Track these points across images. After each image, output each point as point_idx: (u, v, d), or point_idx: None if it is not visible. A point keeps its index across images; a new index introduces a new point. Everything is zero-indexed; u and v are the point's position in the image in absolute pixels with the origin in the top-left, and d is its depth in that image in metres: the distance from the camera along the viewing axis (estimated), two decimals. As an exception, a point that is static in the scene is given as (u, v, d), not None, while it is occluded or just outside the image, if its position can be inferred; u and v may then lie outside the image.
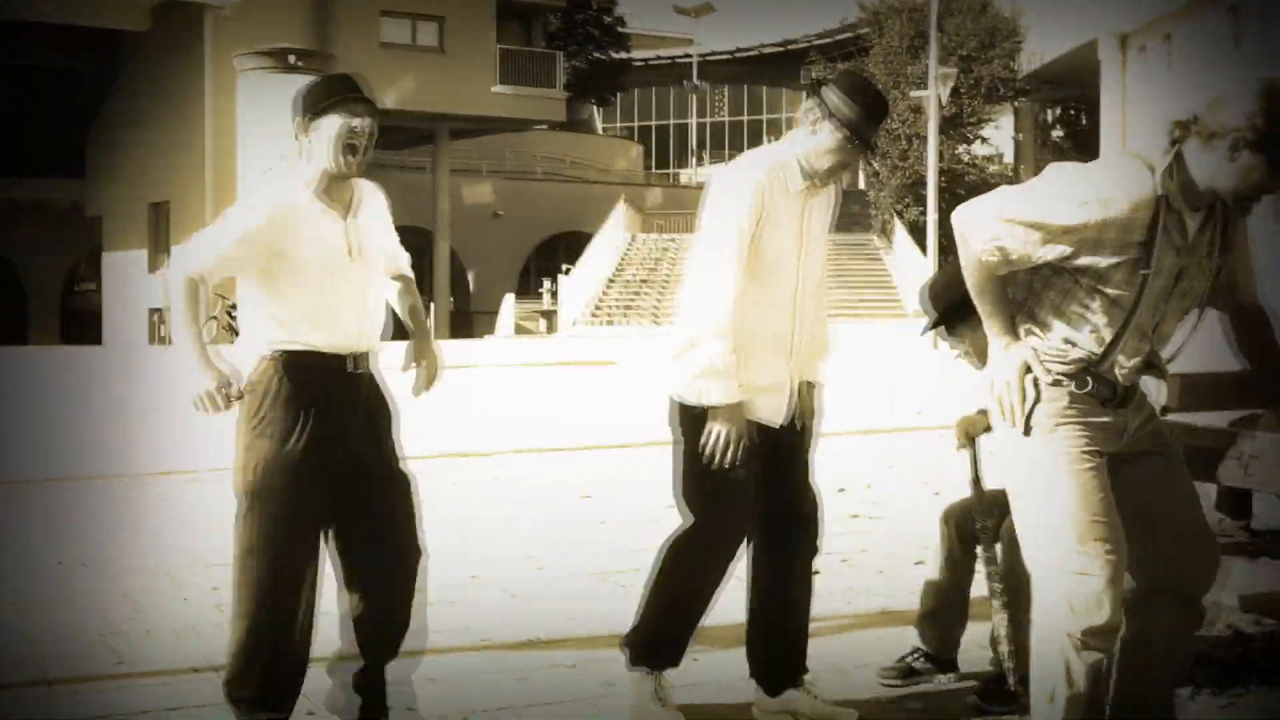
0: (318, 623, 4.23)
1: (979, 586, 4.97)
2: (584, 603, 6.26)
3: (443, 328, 38.30)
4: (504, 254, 47.90)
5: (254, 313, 4.16)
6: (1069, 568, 3.64)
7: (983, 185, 39.80)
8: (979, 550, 4.76)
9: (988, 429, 4.17)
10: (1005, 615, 4.48)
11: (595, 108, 62.39)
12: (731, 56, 64.46)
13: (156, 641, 5.62)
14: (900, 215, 41.10)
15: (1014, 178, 43.14)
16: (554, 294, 39.72)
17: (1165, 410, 4.28)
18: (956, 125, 41.39)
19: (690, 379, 4.34)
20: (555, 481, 10.16)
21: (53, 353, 31.37)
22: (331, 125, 4.06)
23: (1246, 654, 4.97)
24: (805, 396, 4.56)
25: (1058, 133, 47.70)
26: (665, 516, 8.59)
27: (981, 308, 3.77)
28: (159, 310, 37.78)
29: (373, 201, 4.29)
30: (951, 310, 4.41)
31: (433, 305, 33.57)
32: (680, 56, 63.58)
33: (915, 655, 5.00)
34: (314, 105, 4.09)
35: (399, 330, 4.47)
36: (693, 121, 63.21)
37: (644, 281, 40.17)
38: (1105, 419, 3.72)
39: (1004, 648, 4.49)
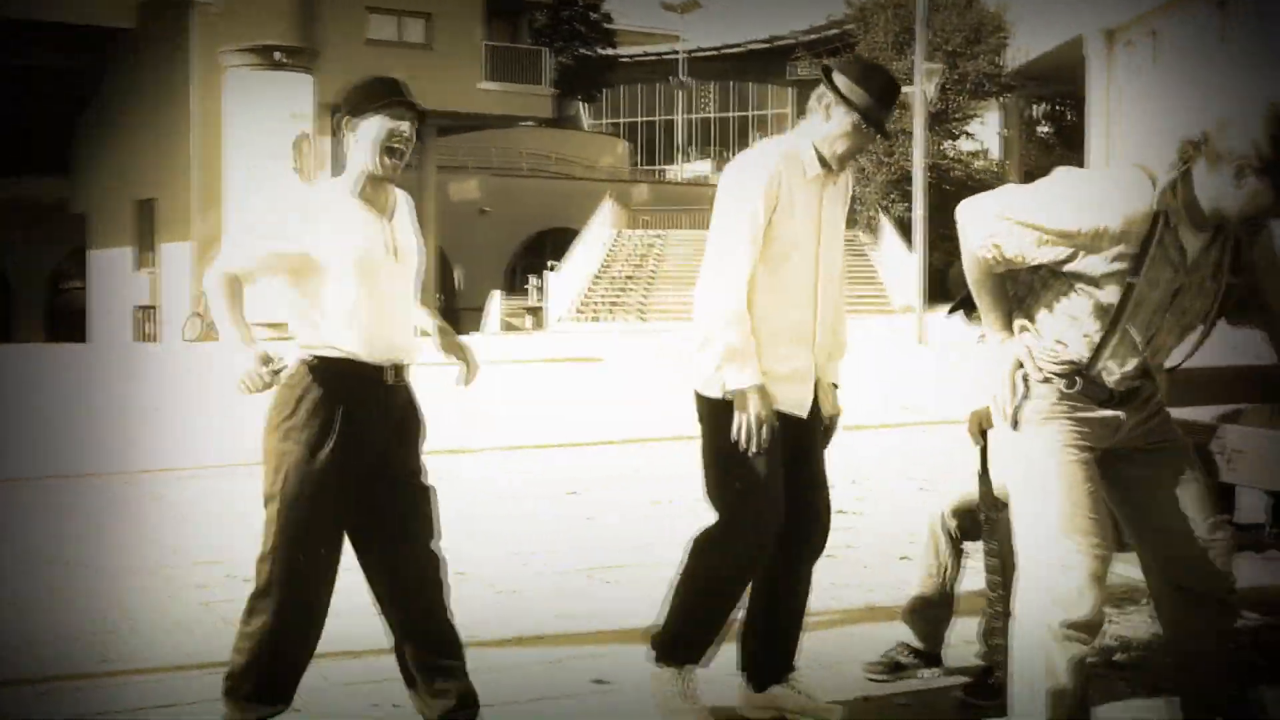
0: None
1: (965, 582, 4.99)
2: (570, 599, 6.26)
3: (430, 324, 38.14)
4: (491, 250, 47.85)
5: (293, 316, 4.12)
6: (1052, 559, 3.66)
7: (969, 181, 39.87)
8: (981, 543, 4.78)
9: None
10: (1001, 609, 4.48)
11: (582, 104, 62.36)
12: (718, 53, 64.48)
13: (142, 639, 5.61)
14: (886, 211, 41.11)
15: (1000, 173, 43.19)
16: (540, 290, 39.68)
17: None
18: (943, 121, 41.39)
19: (710, 369, 4.33)
20: (542, 477, 10.16)
21: (39, 350, 31.27)
22: (374, 127, 4.05)
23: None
24: (827, 395, 4.56)
25: (1044, 129, 47.73)
26: (653, 512, 8.65)
27: (979, 302, 3.82)
28: (145, 308, 37.72)
29: (407, 210, 4.29)
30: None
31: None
32: (667, 53, 63.64)
33: (901, 650, 5.01)
34: (357, 106, 4.08)
35: None
36: (679, 118, 63.27)
37: (630, 278, 40.12)
38: (1098, 415, 3.74)
39: (997, 641, 4.49)
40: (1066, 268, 3.65)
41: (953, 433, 5.36)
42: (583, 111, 64.34)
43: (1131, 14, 31.59)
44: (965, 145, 44.45)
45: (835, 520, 4.68)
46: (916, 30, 29.76)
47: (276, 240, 4.05)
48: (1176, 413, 4.39)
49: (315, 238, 4.02)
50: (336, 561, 4.15)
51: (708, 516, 4.44)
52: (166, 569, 6.88)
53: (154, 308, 37.39)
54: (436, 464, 4.32)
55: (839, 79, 4.33)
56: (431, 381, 4.60)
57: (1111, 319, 3.66)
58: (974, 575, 5.19)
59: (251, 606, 4.11)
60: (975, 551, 5.09)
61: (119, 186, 39.24)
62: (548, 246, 47.57)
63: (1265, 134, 3.39)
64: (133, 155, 38.52)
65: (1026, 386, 3.75)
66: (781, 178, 4.31)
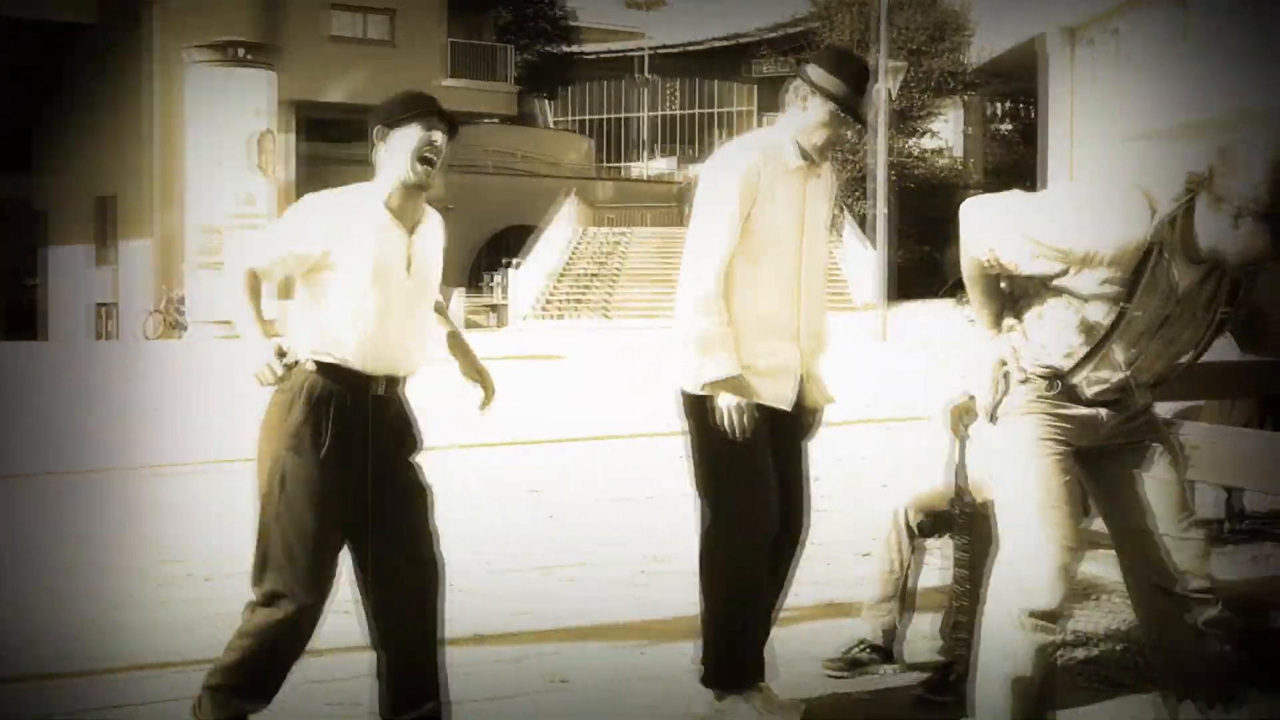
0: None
1: (924, 578, 5.00)
2: (531, 598, 6.25)
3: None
4: (455, 247, 46.94)
5: (299, 318, 4.12)
6: (1021, 548, 3.70)
7: (931, 179, 40.03)
8: (940, 540, 4.78)
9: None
10: (967, 603, 4.49)
11: (545, 101, 62.27)
12: (681, 50, 64.41)
13: (128, 636, 5.58)
14: (849, 209, 41.22)
15: (963, 171, 43.40)
16: (503, 288, 39.55)
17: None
18: (905, 119, 41.49)
19: (686, 363, 4.33)
20: (503, 476, 10.13)
21: (-2, 348, 31.05)
22: (409, 136, 4.11)
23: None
24: (812, 387, 4.55)
25: (1006, 126, 47.95)
26: (613, 511, 8.63)
27: (972, 297, 3.90)
28: (104, 305, 37.48)
29: (434, 230, 4.32)
30: None
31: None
32: (630, 50, 63.55)
33: (860, 647, 5.02)
34: (392, 117, 4.14)
35: None
36: (643, 115, 63.20)
37: (594, 276, 40.05)
38: (1078, 412, 3.78)
39: (961, 635, 4.49)
40: (1056, 282, 3.69)
41: (915, 429, 5.37)
42: (546, 109, 64.24)
43: (1093, 12, 31.76)
44: (928, 143, 44.58)
45: (797, 518, 4.68)
46: (880, 28, 29.85)
47: (297, 242, 4.08)
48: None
49: (334, 241, 4.04)
50: (333, 565, 4.14)
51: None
52: (149, 566, 6.83)
53: (114, 305, 37.17)
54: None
55: (813, 70, 4.36)
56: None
57: (1098, 339, 3.70)
58: (933, 571, 5.21)
59: (250, 606, 4.11)
60: (935, 548, 5.10)
61: (80, 183, 38.98)
62: (512, 244, 47.48)
63: (1266, 180, 3.40)
64: (94, 151, 38.27)
65: (1007, 384, 3.80)
66: (761, 170, 4.32)
